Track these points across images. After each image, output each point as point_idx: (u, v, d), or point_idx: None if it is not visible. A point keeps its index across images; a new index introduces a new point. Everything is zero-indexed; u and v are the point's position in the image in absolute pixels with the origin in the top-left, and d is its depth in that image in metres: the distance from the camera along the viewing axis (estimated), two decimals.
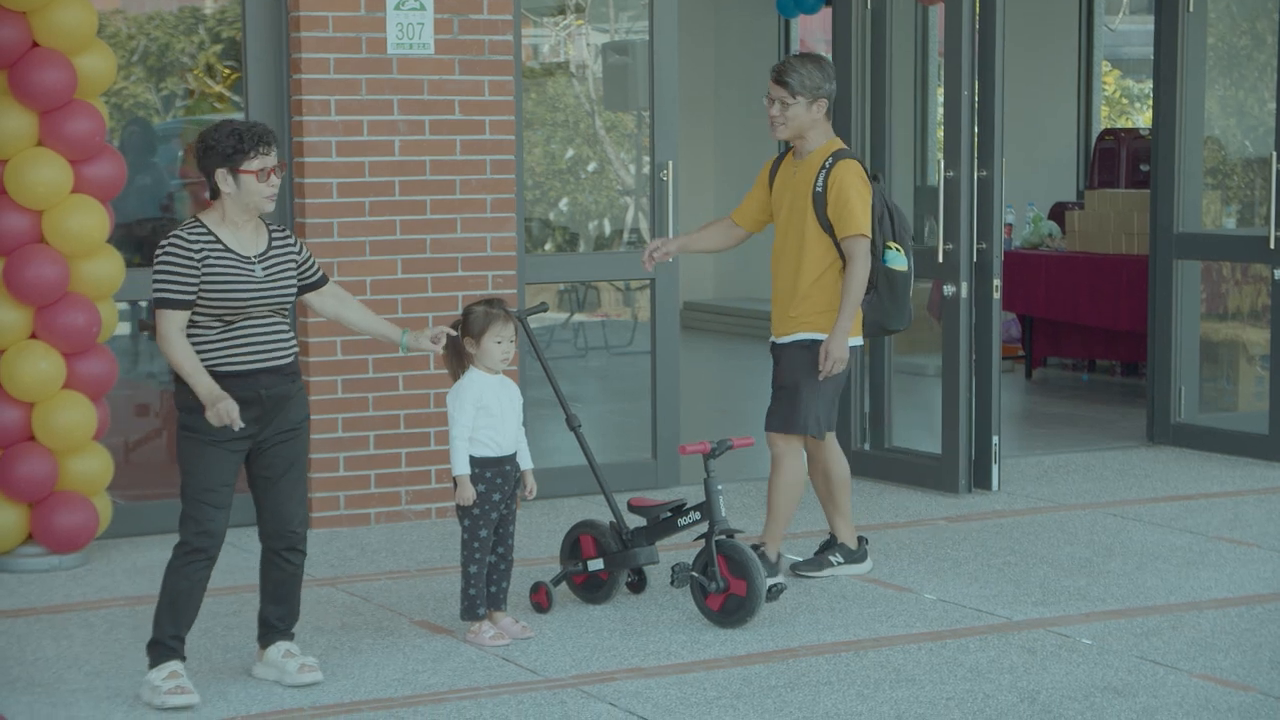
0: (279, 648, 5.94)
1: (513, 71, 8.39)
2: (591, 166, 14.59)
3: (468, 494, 6.26)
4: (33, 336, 7.32)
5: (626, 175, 13.70)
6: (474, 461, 6.28)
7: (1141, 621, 6.60)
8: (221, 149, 5.71)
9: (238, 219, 5.77)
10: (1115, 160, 13.16)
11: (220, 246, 5.72)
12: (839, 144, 7.04)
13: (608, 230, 13.42)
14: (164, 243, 5.71)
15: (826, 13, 13.97)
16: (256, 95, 8.08)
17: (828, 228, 6.90)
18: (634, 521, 6.90)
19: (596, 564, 6.80)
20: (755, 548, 6.78)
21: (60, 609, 6.88)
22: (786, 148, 7.18)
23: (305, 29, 7.97)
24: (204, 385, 5.63)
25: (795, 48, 16.17)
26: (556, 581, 6.81)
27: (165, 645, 5.76)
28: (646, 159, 9.35)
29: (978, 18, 8.76)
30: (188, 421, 5.71)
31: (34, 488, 7.31)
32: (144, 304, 9.16)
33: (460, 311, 6.41)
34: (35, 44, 7.27)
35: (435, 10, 8.18)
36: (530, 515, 8.16)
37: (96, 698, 5.79)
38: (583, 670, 6.06)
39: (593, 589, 6.85)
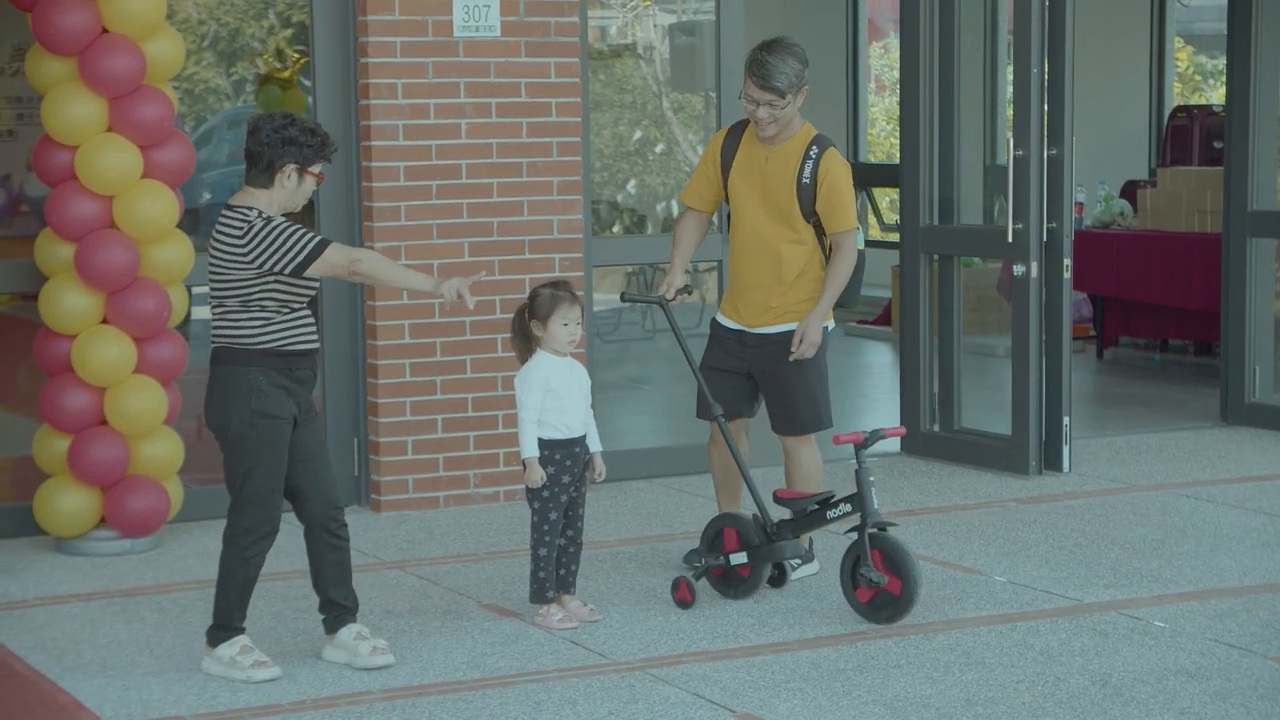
0: (350, 630, 5.96)
1: (579, 53, 8.37)
2: (659, 148, 14.59)
3: (536, 476, 6.26)
4: (104, 322, 7.37)
5: (694, 156, 13.68)
6: (543, 444, 6.28)
7: (1215, 604, 6.53)
8: (304, 145, 5.72)
9: (275, 213, 5.80)
10: (1188, 137, 13.03)
11: None
12: (812, 128, 6.84)
13: (675, 212, 13.39)
14: (267, 218, 5.67)
15: None
16: (324, 79, 8.10)
17: (811, 217, 6.78)
18: (779, 513, 6.64)
19: (739, 558, 6.55)
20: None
21: (132, 592, 6.93)
22: (736, 127, 6.93)
23: (372, 12, 7.98)
24: (419, 275, 5.89)
25: (864, 27, 16.09)
26: (698, 576, 6.61)
27: (230, 628, 5.84)
28: None
29: None
30: (261, 407, 5.73)
31: (106, 472, 7.37)
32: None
33: (527, 294, 6.40)
34: (105, 30, 7.31)
35: None
36: (598, 498, 8.16)
37: (169, 680, 5.83)
38: (650, 653, 6.05)
39: (733, 583, 6.63)
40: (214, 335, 5.82)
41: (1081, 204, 12.63)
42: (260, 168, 5.74)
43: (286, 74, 11.29)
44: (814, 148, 6.75)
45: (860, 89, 16.08)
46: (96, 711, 5.55)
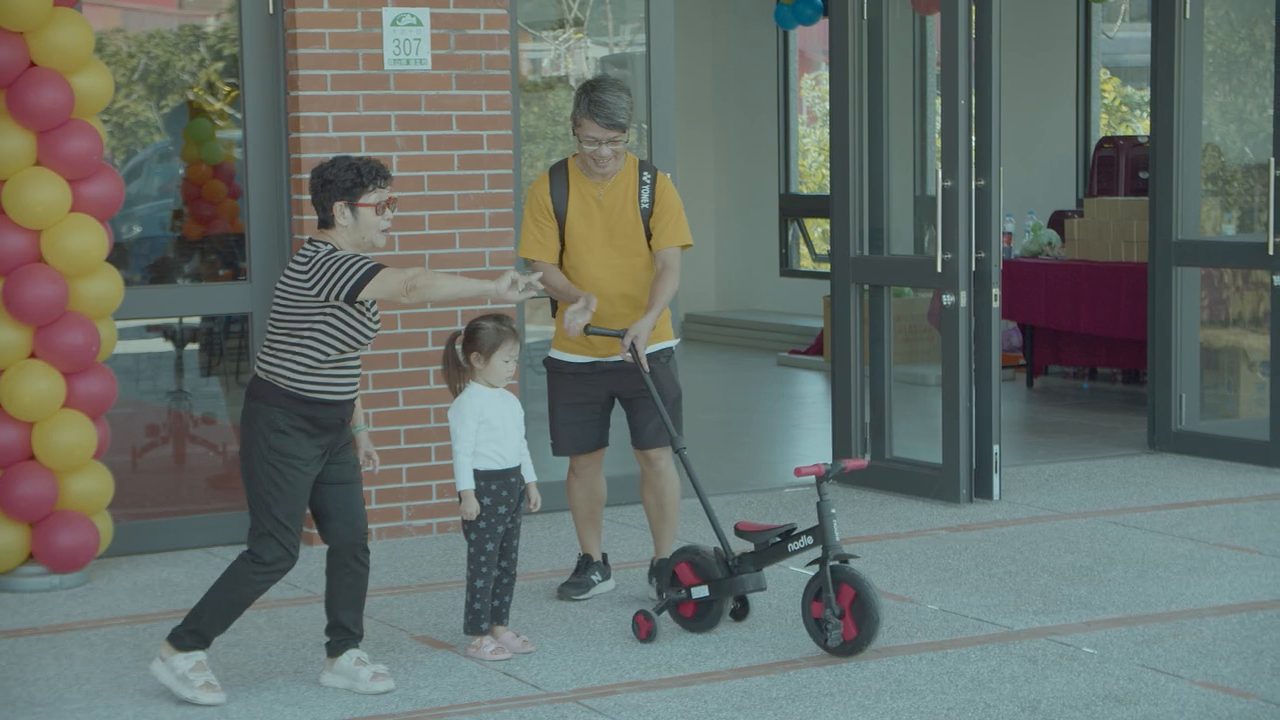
0: (350, 655, 6.03)
1: (510, 85, 8.40)
2: None
3: (472, 508, 6.26)
4: (32, 356, 7.33)
5: None
6: (479, 475, 6.29)
7: (1143, 629, 6.59)
8: (340, 183, 5.85)
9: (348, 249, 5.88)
10: (1114, 168, 13.16)
11: None
12: (634, 156, 7.02)
13: None
14: (331, 250, 5.78)
15: (824, 23, 13.98)
16: (254, 112, 8.09)
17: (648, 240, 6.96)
18: (740, 546, 6.64)
19: (701, 591, 6.52)
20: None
21: (61, 628, 6.88)
22: (558, 171, 6.96)
23: (302, 46, 7.98)
24: (475, 281, 5.87)
25: (795, 59, 16.19)
26: (660, 610, 6.58)
27: (202, 636, 5.88)
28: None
29: (974, 27, 8.76)
30: (279, 446, 5.80)
31: (34, 507, 7.32)
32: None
33: (461, 326, 6.41)
34: (32, 64, 7.28)
35: (432, 26, 8.20)
36: (531, 529, 8.16)
37: (96, 717, 5.79)
38: (583, 684, 6.06)
39: (697, 617, 6.59)
40: (258, 363, 5.90)
41: (1010, 234, 12.75)
42: (321, 212, 5.90)
43: (217, 107, 11.25)
44: (645, 174, 6.95)
45: (791, 120, 16.18)
46: None
